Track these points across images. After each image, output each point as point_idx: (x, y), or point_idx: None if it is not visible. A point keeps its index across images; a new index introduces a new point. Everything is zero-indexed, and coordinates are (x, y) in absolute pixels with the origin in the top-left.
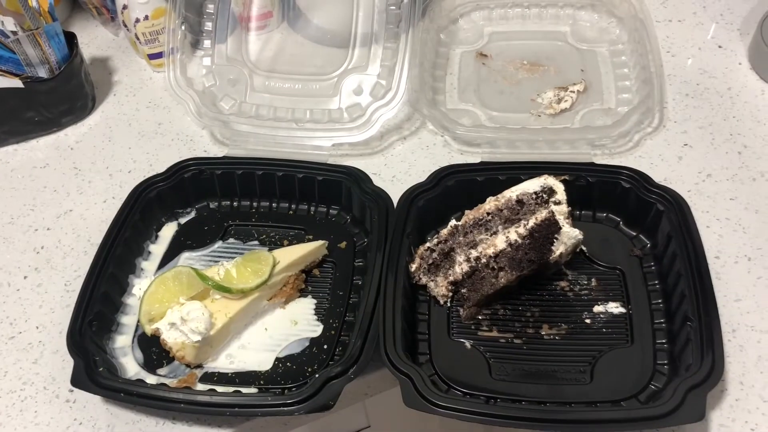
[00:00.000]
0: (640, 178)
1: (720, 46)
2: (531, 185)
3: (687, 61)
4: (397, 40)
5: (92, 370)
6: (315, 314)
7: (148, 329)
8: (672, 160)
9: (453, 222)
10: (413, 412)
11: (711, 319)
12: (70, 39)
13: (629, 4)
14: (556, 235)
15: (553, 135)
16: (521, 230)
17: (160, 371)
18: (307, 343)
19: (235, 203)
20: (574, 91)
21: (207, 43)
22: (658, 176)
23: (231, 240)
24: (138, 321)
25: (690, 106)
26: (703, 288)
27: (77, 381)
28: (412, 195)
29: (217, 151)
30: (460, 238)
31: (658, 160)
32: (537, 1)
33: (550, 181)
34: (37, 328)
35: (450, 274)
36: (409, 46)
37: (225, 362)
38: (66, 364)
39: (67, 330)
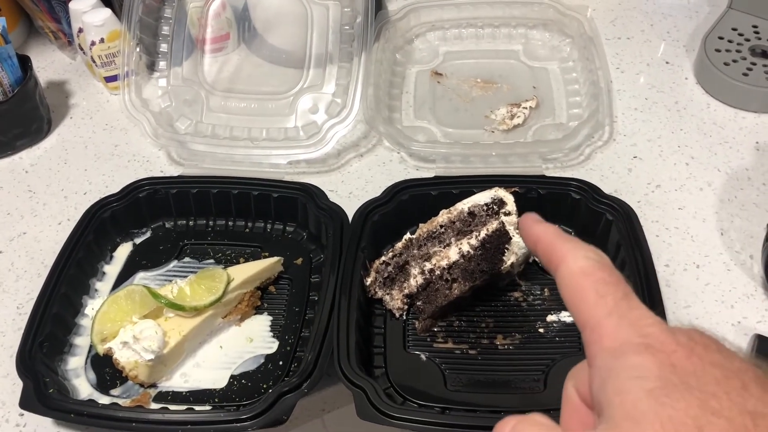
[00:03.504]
0: (589, 189)
1: (667, 62)
2: (482, 197)
3: (636, 76)
4: (351, 59)
5: (42, 392)
6: (271, 331)
7: (101, 349)
8: (622, 172)
9: (407, 235)
10: (374, 427)
11: None
12: (24, 62)
13: (579, 23)
14: (506, 246)
15: (505, 149)
16: (473, 241)
17: (114, 392)
18: (262, 360)
19: (190, 222)
20: (526, 108)
21: (163, 64)
22: (609, 188)
23: (186, 259)
24: (91, 341)
25: (639, 119)
26: (651, 294)
27: (26, 403)
28: (366, 210)
29: (173, 171)
30: (415, 251)
31: (609, 173)
32: (490, 21)
33: (501, 192)
34: None
35: (405, 287)
36: (363, 64)
37: (179, 381)
38: (16, 387)
39: (17, 352)
